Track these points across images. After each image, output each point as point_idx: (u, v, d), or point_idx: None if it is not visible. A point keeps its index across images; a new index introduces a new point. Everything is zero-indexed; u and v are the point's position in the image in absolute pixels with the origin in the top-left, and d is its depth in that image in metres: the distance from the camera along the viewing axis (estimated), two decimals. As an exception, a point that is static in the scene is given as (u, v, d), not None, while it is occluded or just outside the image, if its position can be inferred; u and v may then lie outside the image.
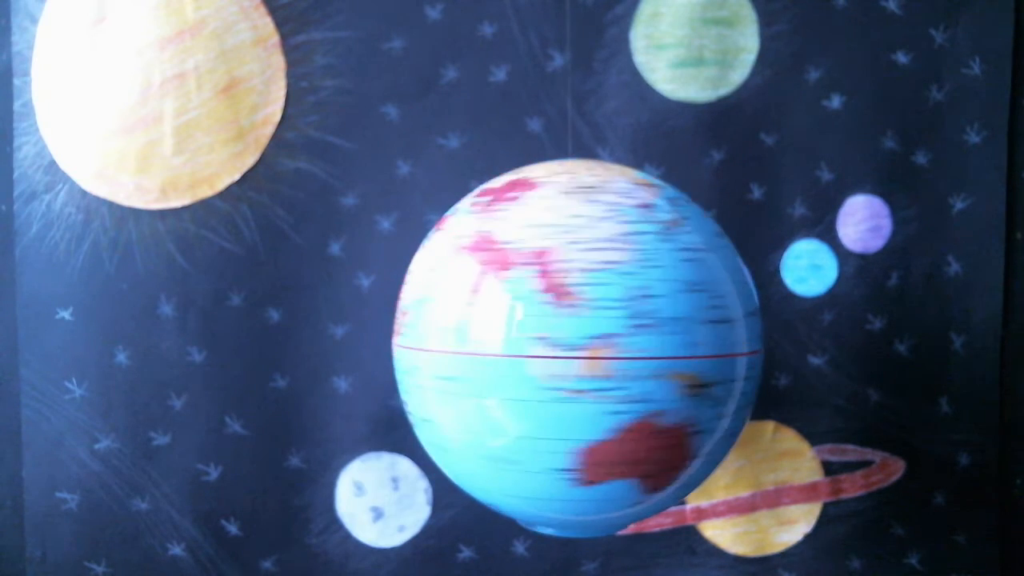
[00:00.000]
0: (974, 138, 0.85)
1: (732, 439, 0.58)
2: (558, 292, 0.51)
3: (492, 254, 0.53)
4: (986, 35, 0.83)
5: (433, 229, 0.60)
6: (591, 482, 0.53)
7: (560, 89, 0.82)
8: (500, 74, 0.82)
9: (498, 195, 0.57)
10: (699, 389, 0.53)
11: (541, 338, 0.51)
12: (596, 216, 0.53)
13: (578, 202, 0.54)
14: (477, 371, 0.52)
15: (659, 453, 0.53)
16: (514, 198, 0.56)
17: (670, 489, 0.56)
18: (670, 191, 0.58)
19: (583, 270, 0.51)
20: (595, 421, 0.51)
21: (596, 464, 0.52)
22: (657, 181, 0.59)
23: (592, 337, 0.50)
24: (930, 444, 0.87)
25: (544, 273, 0.51)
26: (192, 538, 0.83)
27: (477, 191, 0.60)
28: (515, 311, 0.51)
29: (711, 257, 0.55)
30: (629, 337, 0.50)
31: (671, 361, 0.52)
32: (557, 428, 0.52)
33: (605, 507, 0.55)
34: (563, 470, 0.53)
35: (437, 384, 0.54)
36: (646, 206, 0.55)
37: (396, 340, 0.59)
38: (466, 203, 0.59)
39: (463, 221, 0.57)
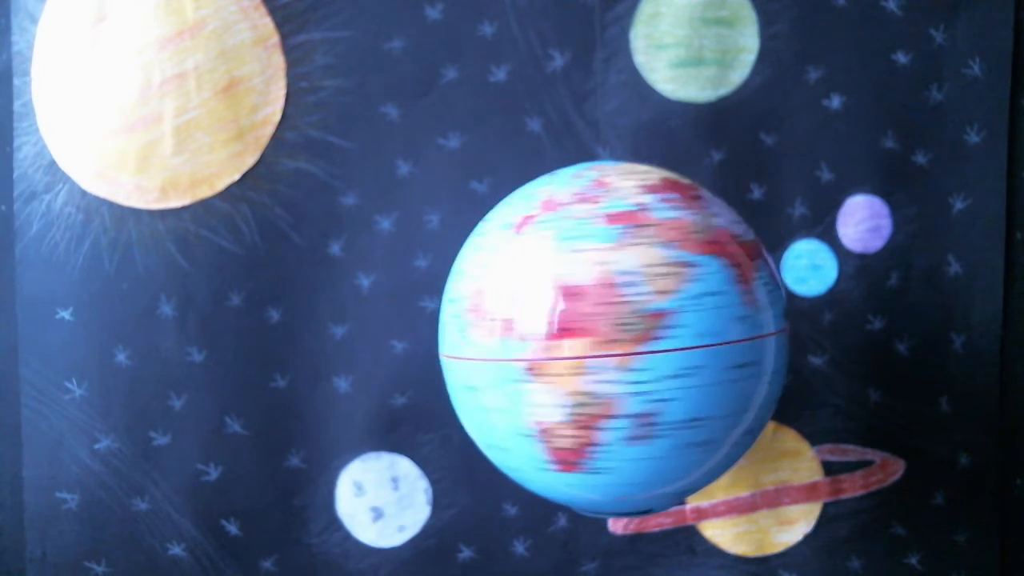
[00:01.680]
0: (974, 138, 0.85)
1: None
2: None
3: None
4: (986, 35, 0.83)
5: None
6: None
7: (560, 89, 0.82)
8: (500, 74, 0.82)
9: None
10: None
11: None
12: None
13: None
14: None
15: None
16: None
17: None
18: None
19: None
20: None
21: None
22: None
23: None
24: (930, 444, 0.87)
25: None
26: (192, 538, 0.83)
27: None
28: None
29: None
30: None
31: None
32: None
33: None
34: None
35: None
36: None
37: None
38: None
39: None
